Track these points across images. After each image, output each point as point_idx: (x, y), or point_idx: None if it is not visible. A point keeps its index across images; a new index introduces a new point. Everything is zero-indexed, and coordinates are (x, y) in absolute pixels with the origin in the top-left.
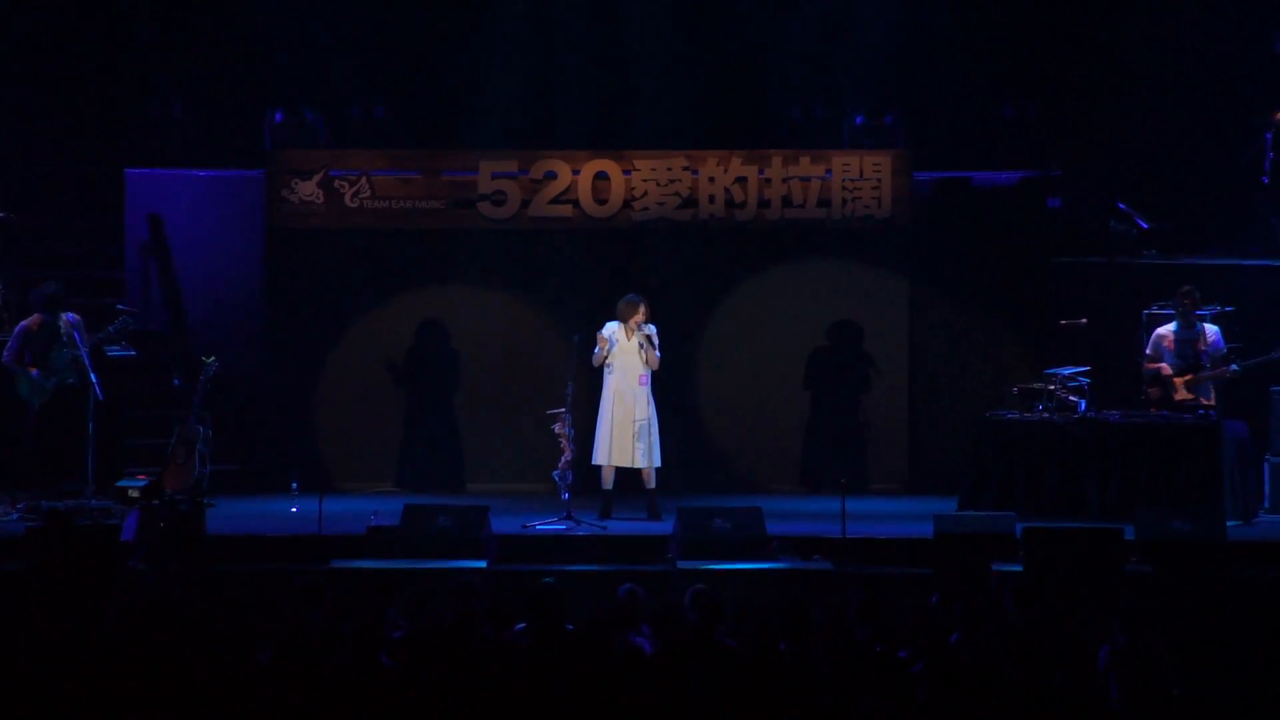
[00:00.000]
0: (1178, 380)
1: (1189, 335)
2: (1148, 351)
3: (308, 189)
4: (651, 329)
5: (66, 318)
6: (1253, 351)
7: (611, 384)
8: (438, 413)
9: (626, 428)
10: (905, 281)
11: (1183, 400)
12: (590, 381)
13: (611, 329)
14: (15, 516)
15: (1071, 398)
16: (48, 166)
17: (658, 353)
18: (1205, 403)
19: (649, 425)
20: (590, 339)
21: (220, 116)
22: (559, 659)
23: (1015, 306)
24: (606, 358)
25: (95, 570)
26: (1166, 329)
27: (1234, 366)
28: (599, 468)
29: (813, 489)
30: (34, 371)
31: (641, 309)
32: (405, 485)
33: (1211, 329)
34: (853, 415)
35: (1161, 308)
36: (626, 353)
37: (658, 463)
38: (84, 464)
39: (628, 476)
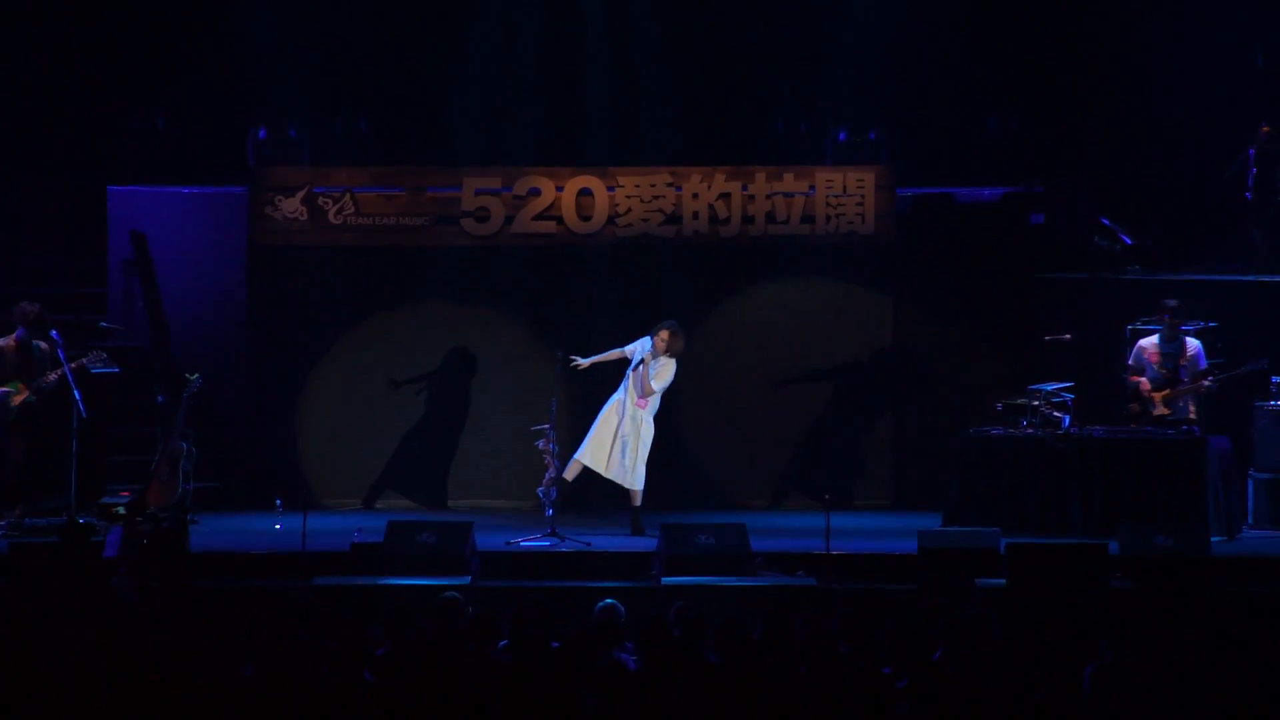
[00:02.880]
0: (1156, 395)
1: (1171, 349)
2: (1130, 363)
3: (291, 206)
4: (665, 364)
5: (52, 335)
6: (1236, 368)
7: (620, 391)
8: (422, 429)
9: (608, 436)
10: (889, 297)
11: (1161, 415)
12: (574, 397)
13: (641, 344)
14: None
15: (1055, 413)
16: (30, 182)
17: (655, 385)
18: (1183, 418)
19: (635, 444)
20: (571, 356)
21: (204, 133)
22: (542, 675)
23: (999, 322)
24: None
25: (78, 587)
26: (1149, 341)
27: (1208, 381)
28: (590, 482)
29: (796, 504)
30: (2, 390)
31: (663, 335)
32: (390, 500)
33: (1194, 344)
34: (837, 431)
35: (1145, 323)
36: (641, 371)
37: (639, 485)
38: (67, 481)
39: (616, 492)
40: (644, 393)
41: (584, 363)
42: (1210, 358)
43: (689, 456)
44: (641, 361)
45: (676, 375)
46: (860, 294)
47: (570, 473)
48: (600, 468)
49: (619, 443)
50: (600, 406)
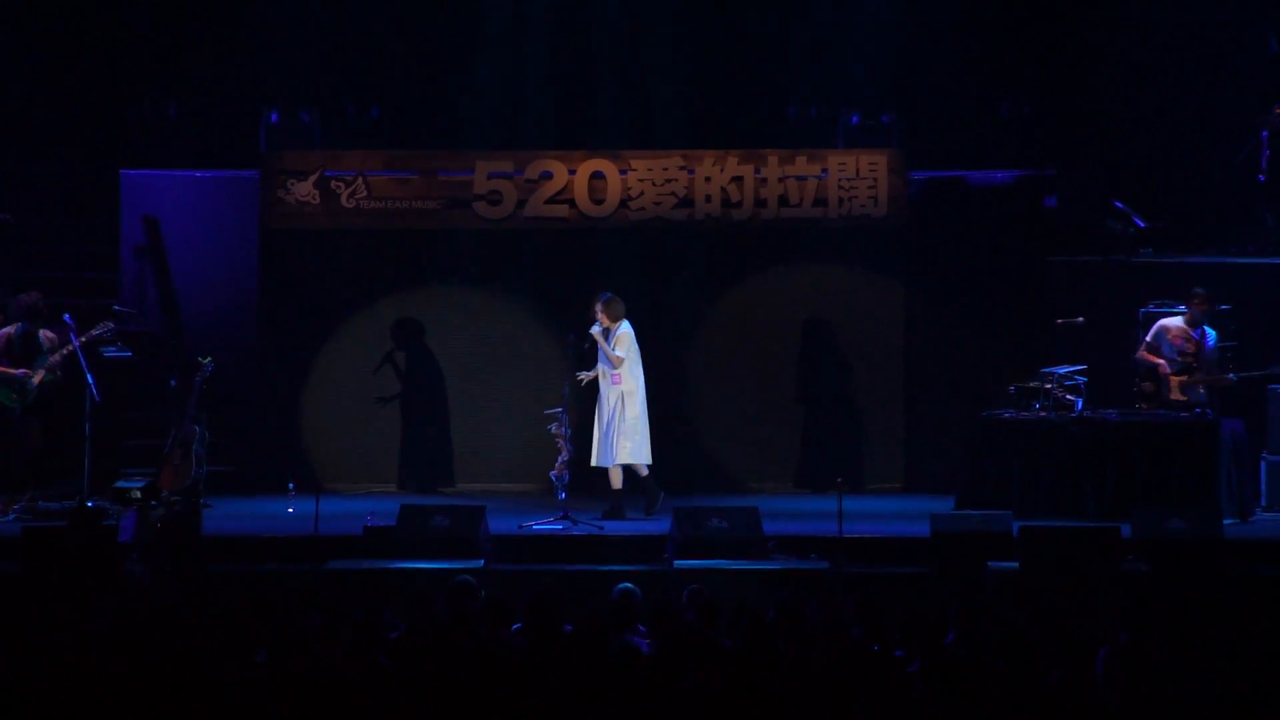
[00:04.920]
0: (1174, 380)
1: (1194, 335)
2: (1148, 339)
3: (303, 189)
4: (618, 332)
5: (64, 319)
6: (1247, 350)
7: (601, 386)
8: (434, 413)
9: (597, 432)
10: (901, 280)
11: (1175, 400)
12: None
13: (593, 329)
14: (12, 518)
15: (1068, 396)
16: (43, 167)
17: (619, 353)
18: (1185, 402)
19: (607, 423)
20: (584, 338)
21: (216, 117)
22: (555, 659)
23: (1011, 305)
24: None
25: (92, 571)
26: (1172, 322)
27: (1230, 376)
28: (601, 468)
29: (809, 488)
30: (19, 371)
31: (599, 309)
32: (403, 485)
33: (1208, 330)
34: (849, 415)
35: (1159, 305)
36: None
37: (610, 461)
38: (81, 465)
39: (629, 476)
40: (613, 365)
41: (586, 376)
42: (1222, 340)
43: (701, 440)
44: (592, 339)
45: (637, 337)
46: (872, 277)
47: (614, 481)
48: (595, 461)
49: (601, 431)
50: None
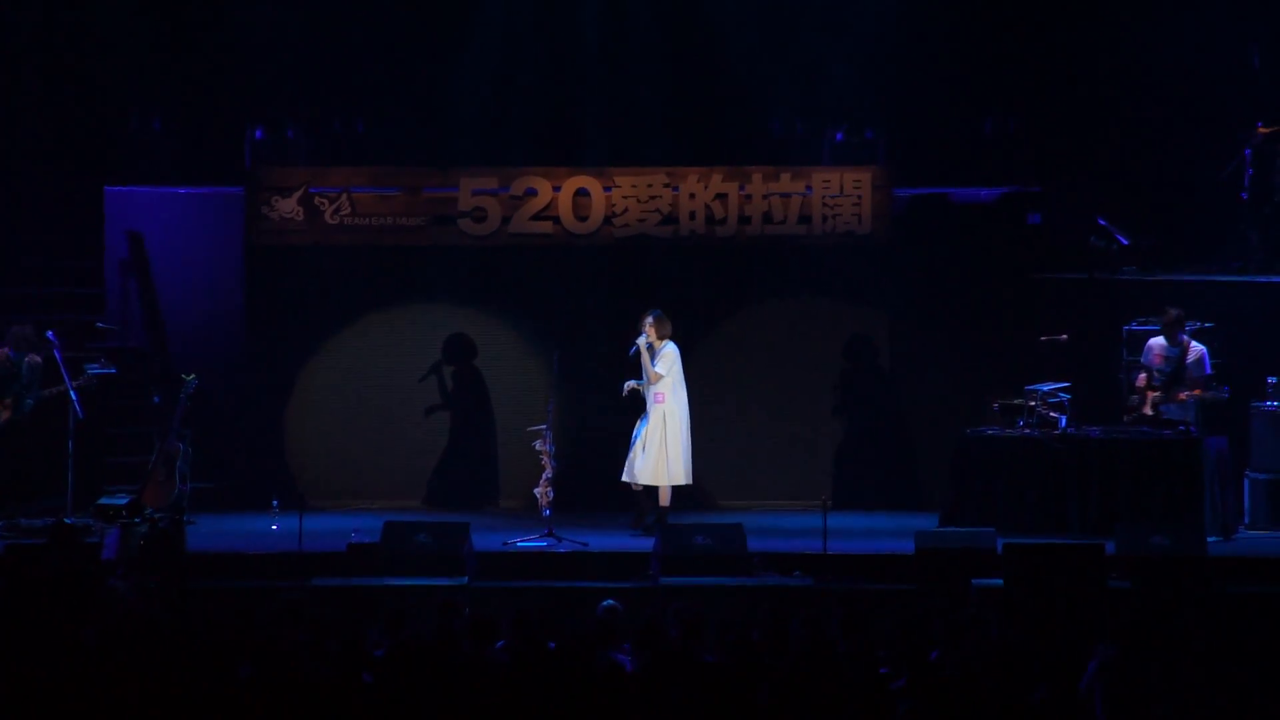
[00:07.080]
0: (1150, 394)
1: (1173, 353)
2: (1143, 360)
3: (288, 206)
4: (662, 350)
5: (47, 336)
6: (1232, 367)
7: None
8: (419, 430)
9: (635, 447)
10: (885, 298)
11: (1152, 416)
12: (570, 398)
13: (639, 343)
14: None
15: (1052, 414)
16: (27, 183)
17: (660, 369)
18: (1169, 419)
19: (643, 439)
20: (569, 355)
21: (200, 133)
22: (540, 676)
23: (995, 322)
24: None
25: (76, 588)
26: (1157, 341)
27: (1184, 395)
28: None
29: (793, 505)
30: None
31: (650, 324)
32: (386, 501)
33: (1197, 348)
34: (833, 431)
35: (1142, 323)
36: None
37: (641, 480)
38: (64, 482)
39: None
40: (651, 380)
41: (632, 385)
42: (1211, 358)
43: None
44: (637, 351)
45: (625, 352)
46: (856, 294)
47: (662, 497)
48: (628, 477)
49: (638, 447)
50: (597, 409)
